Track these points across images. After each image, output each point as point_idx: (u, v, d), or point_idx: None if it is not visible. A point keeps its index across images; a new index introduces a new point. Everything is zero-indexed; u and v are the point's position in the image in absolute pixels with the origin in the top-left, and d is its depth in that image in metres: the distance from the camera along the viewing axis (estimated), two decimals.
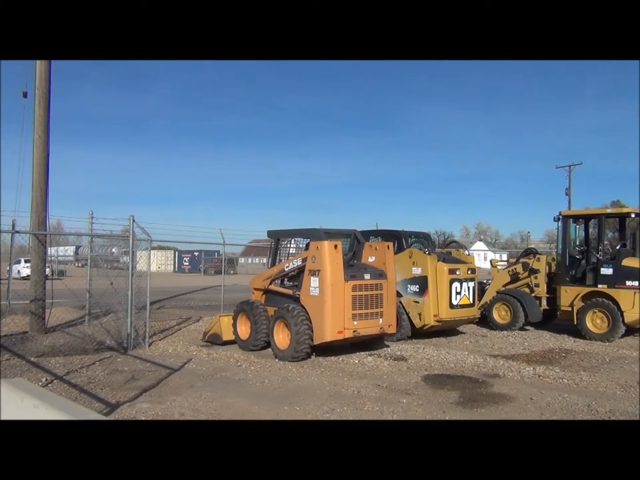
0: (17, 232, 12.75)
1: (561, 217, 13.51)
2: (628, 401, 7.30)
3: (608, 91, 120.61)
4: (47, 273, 12.60)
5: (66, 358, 9.46)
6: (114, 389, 7.50)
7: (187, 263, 63.17)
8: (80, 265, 48.92)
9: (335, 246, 9.53)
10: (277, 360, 9.72)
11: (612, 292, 12.19)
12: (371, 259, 10.54)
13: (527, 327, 13.86)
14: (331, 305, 9.34)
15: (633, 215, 13.18)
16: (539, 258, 14.13)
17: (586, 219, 14.09)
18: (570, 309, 12.83)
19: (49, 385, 7.71)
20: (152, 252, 12.90)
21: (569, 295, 12.92)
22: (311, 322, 9.54)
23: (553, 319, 13.79)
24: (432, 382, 8.24)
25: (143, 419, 6.22)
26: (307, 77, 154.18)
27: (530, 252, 15.19)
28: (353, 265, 10.17)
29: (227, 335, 11.28)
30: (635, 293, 11.89)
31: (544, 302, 13.74)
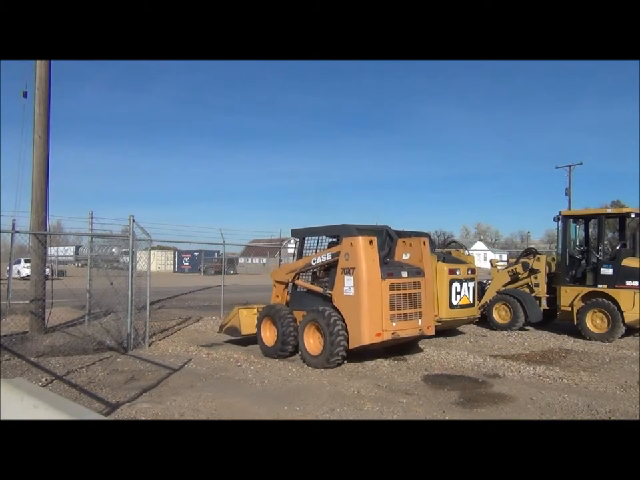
0: (17, 232, 12.78)
1: (561, 217, 13.51)
2: (628, 401, 7.30)
3: (608, 90, 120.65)
4: (46, 273, 12.60)
5: (66, 358, 9.46)
6: (114, 389, 7.50)
7: (187, 263, 63.20)
8: (80, 265, 48.98)
9: (370, 241, 8.87)
10: (276, 360, 9.71)
11: (612, 292, 12.19)
12: (406, 256, 9.90)
13: (526, 327, 13.86)
14: (368, 305, 8.71)
15: (632, 215, 13.17)
16: (538, 258, 14.13)
17: (586, 219, 14.09)
18: (570, 309, 12.83)
19: (49, 385, 7.71)
20: (152, 252, 12.90)
21: (569, 295, 12.92)
22: (345, 324, 8.90)
23: (552, 319, 13.79)
24: (432, 382, 8.24)
25: (143, 419, 6.22)
26: (308, 76, 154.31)
27: (530, 252, 15.19)
28: (387, 263, 9.49)
29: (246, 329, 10.84)
30: (634, 293, 11.89)
31: (544, 302, 13.74)
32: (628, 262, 12.32)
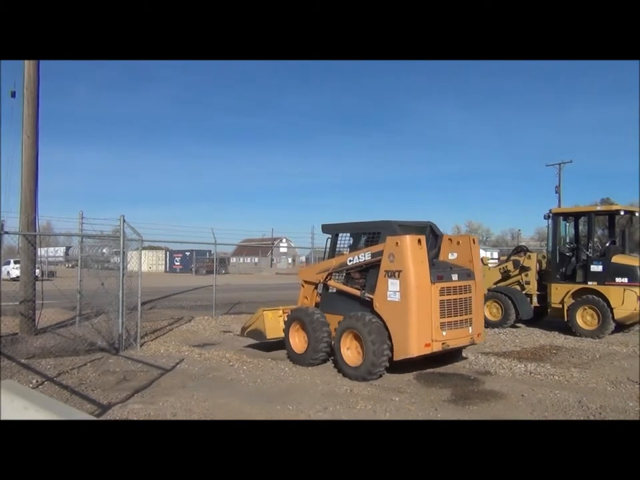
0: (6, 233, 12.63)
1: (551, 214, 13.61)
2: (618, 396, 7.36)
3: (598, 89, 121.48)
4: (36, 274, 12.51)
5: (57, 359, 9.40)
6: (105, 390, 7.46)
7: (179, 263, 63.07)
8: (70, 265, 48.71)
9: (419, 241, 7.98)
10: (269, 359, 9.69)
11: (602, 289, 12.29)
12: (452, 256, 8.96)
13: (518, 325, 13.94)
14: (417, 312, 7.79)
15: (622, 213, 13.28)
16: (529, 255, 14.21)
17: (576, 216, 14.20)
18: (560, 306, 12.92)
19: (40, 387, 7.65)
20: (143, 252, 12.83)
21: (560, 292, 13.01)
22: (389, 333, 8.04)
23: (543, 316, 13.88)
24: (424, 380, 8.27)
25: (135, 419, 6.19)
26: (306, 76, 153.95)
27: (521, 250, 15.26)
28: (434, 264, 8.49)
29: (272, 333, 10.12)
30: (624, 290, 12.00)
31: (535, 299, 13.83)
32: (617, 259, 12.43)
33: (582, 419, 6.39)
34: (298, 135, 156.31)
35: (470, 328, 8.51)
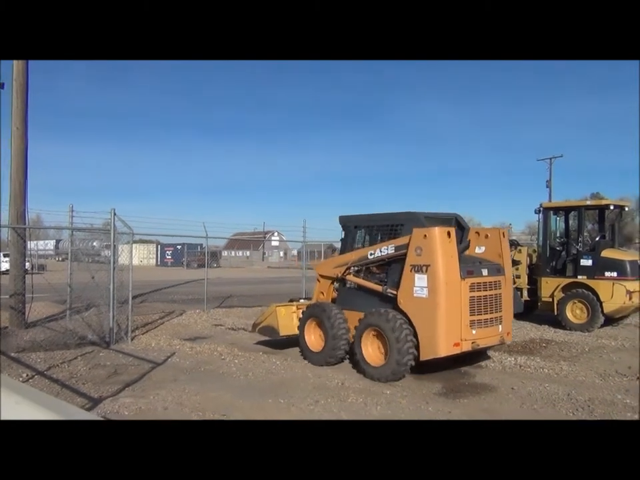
0: None
1: (541, 208, 13.68)
2: (606, 389, 7.44)
3: (589, 85, 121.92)
4: (26, 267, 12.43)
5: (47, 353, 9.36)
6: (96, 384, 7.44)
7: (170, 257, 62.91)
8: (60, 259, 48.43)
9: (448, 233, 7.55)
10: (260, 353, 9.70)
11: (591, 283, 12.39)
12: (480, 250, 8.54)
13: None
14: (446, 309, 7.37)
15: (612, 207, 13.38)
16: (520, 249, 14.28)
17: (566, 210, 14.29)
18: (550, 299, 13.01)
19: (30, 381, 7.62)
20: (134, 245, 12.78)
21: (550, 286, 13.10)
22: (415, 331, 7.64)
23: (534, 310, 13.96)
24: (415, 373, 8.30)
25: (126, 413, 6.18)
26: (291, 71, 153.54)
27: (511, 244, 15.28)
28: (462, 258, 7.94)
29: (285, 329, 9.64)
30: (613, 284, 12.12)
31: (525, 293, 13.90)
32: (607, 253, 12.53)
33: (570, 411, 6.46)
34: (288, 129, 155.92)
35: (500, 326, 8.12)
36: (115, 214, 10.53)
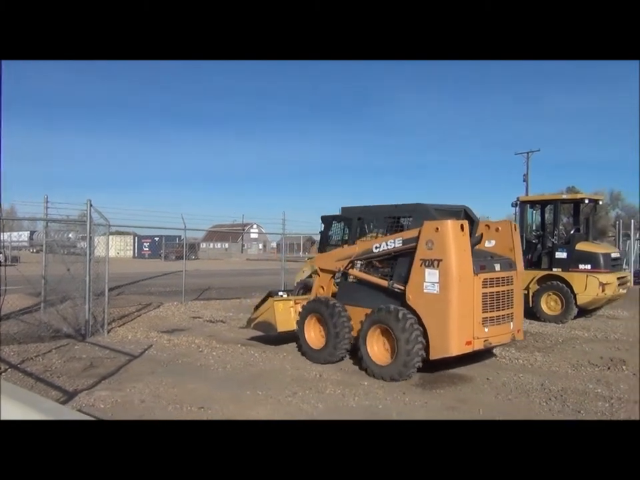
0: None
1: (518, 202, 13.90)
2: (578, 379, 7.60)
3: (567, 81, 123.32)
4: None
5: (20, 346, 9.21)
6: (71, 377, 7.35)
7: (147, 249, 62.34)
8: (35, 250, 47.56)
9: (462, 226, 7.22)
10: (238, 345, 9.67)
11: (566, 275, 12.62)
12: (489, 244, 8.25)
13: None
14: (458, 306, 7.04)
15: (586, 201, 13.62)
16: None
17: (542, 204, 14.50)
18: (526, 291, 13.18)
19: (3, 374, 7.50)
20: (110, 237, 12.61)
21: (526, 279, 13.23)
22: (424, 329, 7.31)
23: None
24: None
25: (102, 406, 6.13)
26: (272, 61, 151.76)
27: None
28: (473, 253, 7.54)
29: (283, 325, 9.24)
30: (587, 276, 12.36)
31: None
32: (581, 246, 12.76)
33: (544, 400, 6.58)
34: (270, 120, 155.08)
35: (511, 324, 7.83)
36: (90, 205, 10.37)
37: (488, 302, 7.38)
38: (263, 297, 9.95)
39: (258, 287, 19.20)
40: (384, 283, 7.92)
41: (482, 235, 8.32)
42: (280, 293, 10.66)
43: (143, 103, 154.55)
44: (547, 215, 14.89)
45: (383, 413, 6.09)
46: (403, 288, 7.61)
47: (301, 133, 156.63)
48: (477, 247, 8.06)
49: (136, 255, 63.36)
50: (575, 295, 12.42)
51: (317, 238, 16.04)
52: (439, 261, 7.13)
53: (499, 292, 7.55)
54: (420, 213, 7.73)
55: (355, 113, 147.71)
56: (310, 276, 13.88)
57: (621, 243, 25.11)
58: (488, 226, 8.46)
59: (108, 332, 10.60)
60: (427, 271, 7.24)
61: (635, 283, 20.32)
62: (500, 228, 8.32)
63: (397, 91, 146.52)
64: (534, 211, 14.33)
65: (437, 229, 7.19)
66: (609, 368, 8.27)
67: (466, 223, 7.35)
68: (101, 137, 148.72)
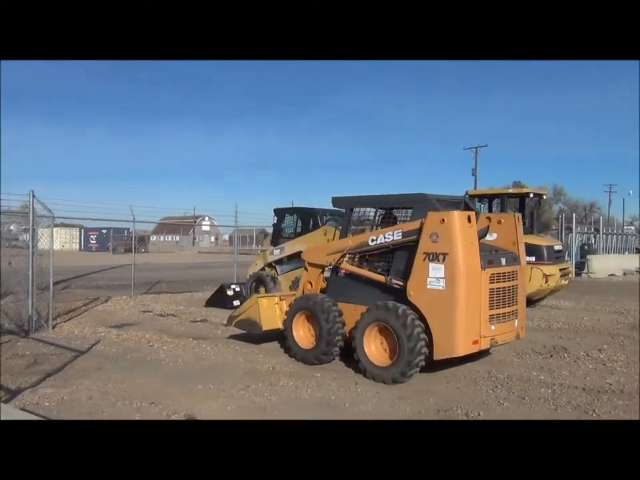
0: None
1: (467, 196, 14.23)
2: (523, 367, 7.90)
3: (517, 79, 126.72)
4: None
5: None
6: (14, 375, 7.07)
7: (94, 241, 60.63)
8: None
9: (469, 218, 6.76)
10: (190, 339, 9.54)
11: None
12: (491, 237, 7.82)
13: None
14: (465, 303, 6.62)
15: (531, 195, 14.12)
16: None
17: (490, 198, 14.96)
18: None
19: None
20: (55, 229, 12.17)
21: None
22: (428, 328, 6.89)
23: None
24: (346, 357, 8.42)
25: (47, 404, 5.93)
26: None
27: None
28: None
29: (268, 323, 8.73)
30: (531, 268, 12.79)
31: None
32: (526, 239, 13.09)
33: (491, 388, 6.79)
34: (221, 112, 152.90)
35: (516, 321, 7.49)
36: (33, 196, 9.99)
37: (495, 298, 7.00)
38: (215, 290, 9.85)
39: (210, 280, 18.97)
40: (381, 278, 7.44)
41: (488, 227, 7.76)
42: (232, 286, 10.57)
43: (90, 94, 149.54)
44: (494, 209, 15.33)
45: (335, 403, 6.15)
46: (402, 283, 7.15)
47: (248, 127, 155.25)
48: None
49: (82, 248, 61.52)
50: None
51: (270, 230, 16.01)
52: (445, 254, 6.67)
53: (505, 288, 7.18)
54: (421, 204, 7.26)
55: (302, 105, 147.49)
56: (263, 269, 13.84)
57: (563, 236, 26.16)
58: (489, 218, 8.11)
59: (53, 327, 10.26)
60: (431, 265, 6.77)
61: (575, 275, 21.25)
62: (502, 220, 7.99)
63: (349, 83, 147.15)
64: (482, 205, 14.76)
65: (443, 220, 6.72)
66: (551, 356, 8.62)
67: (473, 214, 6.94)
68: (47, 127, 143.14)
